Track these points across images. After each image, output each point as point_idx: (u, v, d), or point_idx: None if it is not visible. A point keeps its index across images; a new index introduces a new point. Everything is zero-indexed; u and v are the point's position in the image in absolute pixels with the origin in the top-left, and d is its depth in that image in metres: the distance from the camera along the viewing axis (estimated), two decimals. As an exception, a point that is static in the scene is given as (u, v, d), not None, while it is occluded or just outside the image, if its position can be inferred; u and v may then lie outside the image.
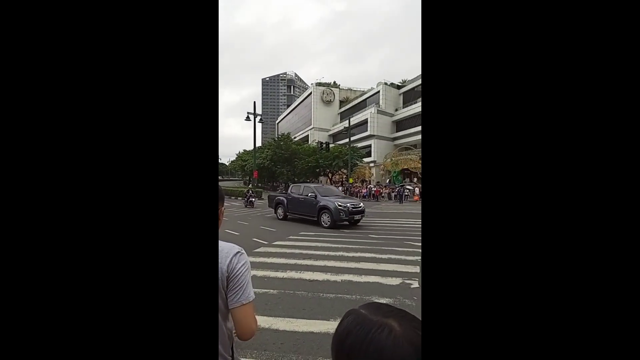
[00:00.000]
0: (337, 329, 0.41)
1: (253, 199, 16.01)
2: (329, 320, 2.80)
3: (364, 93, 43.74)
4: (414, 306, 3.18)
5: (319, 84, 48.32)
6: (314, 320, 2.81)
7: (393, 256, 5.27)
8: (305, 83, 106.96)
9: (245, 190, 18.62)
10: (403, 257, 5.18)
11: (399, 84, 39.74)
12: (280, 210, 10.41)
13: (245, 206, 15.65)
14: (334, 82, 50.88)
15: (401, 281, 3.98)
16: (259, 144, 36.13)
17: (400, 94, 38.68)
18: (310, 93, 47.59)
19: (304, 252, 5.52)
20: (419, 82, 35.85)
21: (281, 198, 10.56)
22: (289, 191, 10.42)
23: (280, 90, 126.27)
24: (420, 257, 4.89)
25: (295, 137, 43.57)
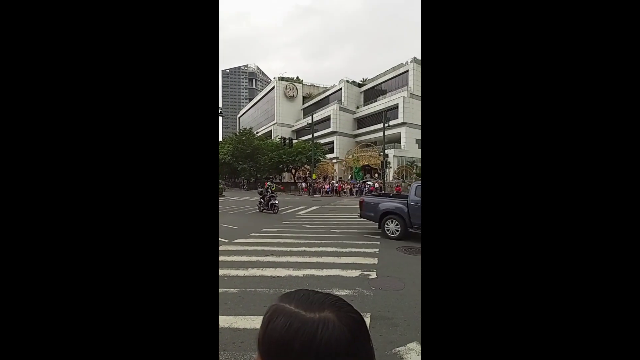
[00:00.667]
0: (269, 332, 0.37)
1: (276, 201, 11.00)
2: (290, 315, 2.84)
3: (326, 90, 44.13)
4: (371, 296, 3.35)
5: (282, 79, 47.62)
6: (275, 316, 2.82)
7: (353, 249, 5.46)
8: (267, 77, 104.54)
9: (263, 188, 12.04)
10: (362, 250, 5.40)
11: (360, 82, 40.76)
12: (393, 225, 6.49)
13: (261, 210, 11.18)
14: (297, 77, 50.53)
15: (360, 273, 4.15)
16: (219, 138, 34.63)
17: (361, 92, 39.72)
18: (273, 87, 46.79)
19: (267, 249, 5.48)
20: (378, 81, 37.14)
21: (395, 205, 6.59)
22: (412, 192, 6.40)
23: (241, 83, 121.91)
24: (378, 250, 5.09)
25: (257, 132, 42.55)
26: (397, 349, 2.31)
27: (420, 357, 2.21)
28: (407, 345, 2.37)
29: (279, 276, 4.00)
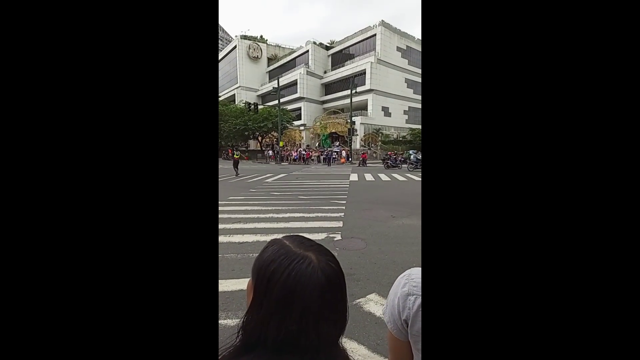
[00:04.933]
0: (261, 255, 0.44)
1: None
2: (258, 277, 2.95)
3: (293, 51, 41.86)
4: (336, 256, 3.55)
5: (245, 37, 43.97)
6: (243, 279, 2.91)
7: (320, 214, 5.64)
8: (228, 34, 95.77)
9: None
10: (329, 215, 5.60)
11: (328, 45, 39.14)
12: None
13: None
14: (261, 36, 46.97)
15: (326, 235, 4.35)
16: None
17: (328, 56, 38.30)
18: (235, 47, 43.20)
19: (234, 216, 5.46)
20: (346, 44, 35.93)
21: None
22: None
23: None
24: (343, 214, 5.29)
25: (220, 97, 39.92)
26: (358, 300, 2.55)
27: (377, 306, 2.46)
28: (367, 296, 2.61)
29: (246, 242, 4.06)
